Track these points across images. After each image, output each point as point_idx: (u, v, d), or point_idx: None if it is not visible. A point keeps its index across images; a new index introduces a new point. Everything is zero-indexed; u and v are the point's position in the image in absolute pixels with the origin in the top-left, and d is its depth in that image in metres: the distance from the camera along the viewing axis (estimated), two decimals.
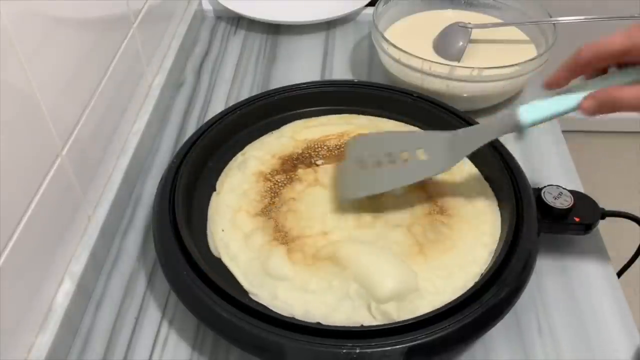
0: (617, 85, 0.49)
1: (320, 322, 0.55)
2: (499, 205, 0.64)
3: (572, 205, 0.64)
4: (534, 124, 0.54)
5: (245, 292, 0.58)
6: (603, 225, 0.66)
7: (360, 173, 0.63)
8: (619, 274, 0.69)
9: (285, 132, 0.74)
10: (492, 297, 0.53)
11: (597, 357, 0.58)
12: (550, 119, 0.54)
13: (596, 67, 0.51)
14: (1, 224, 0.49)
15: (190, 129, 0.82)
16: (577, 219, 0.64)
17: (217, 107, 0.85)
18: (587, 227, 0.64)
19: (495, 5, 0.90)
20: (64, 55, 0.59)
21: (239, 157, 0.71)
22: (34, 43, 0.53)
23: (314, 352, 0.51)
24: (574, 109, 0.52)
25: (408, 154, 0.62)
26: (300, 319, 0.54)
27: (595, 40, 0.49)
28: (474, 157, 0.68)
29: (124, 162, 0.72)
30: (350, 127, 0.73)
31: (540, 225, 0.61)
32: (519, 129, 0.55)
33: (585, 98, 0.50)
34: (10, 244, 0.50)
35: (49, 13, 0.55)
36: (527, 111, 0.54)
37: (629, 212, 0.69)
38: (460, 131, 0.62)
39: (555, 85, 0.53)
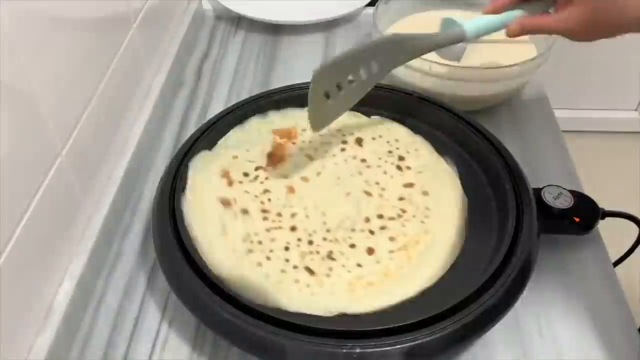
0: (536, 14, 0.64)
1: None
2: (498, 206, 0.64)
3: (572, 205, 0.64)
4: (476, 36, 0.66)
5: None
6: (603, 225, 0.66)
7: (325, 103, 0.66)
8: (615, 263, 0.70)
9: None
10: (492, 297, 0.53)
11: (597, 357, 0.58)
12: (486, 33, 0.67)
13: None
14: (1, 224, 0.49)
15: (190, 129, 0.82)
16: (577, 219, 0.64)
17: (217, 107, 0.85)
18: (587, 227, 0.65)
19: None
20: (64, 56, 0.59)
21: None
22: (34, 43, 0.53)
23: (314, 352, 0.51)
24: (504, 26, 0.66)
25: (364, 70, 0.66)
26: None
27: None
28: (474, 157, 0.69)
29: (124, 162, 0.72)
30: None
31: (540, 225, 0.61)
32: (463, 39, 0.67)
33: (512, 24, 0.65)
34: (10, 244, 0.50)
35: (49, 13, 0.55)
36: (470, 24, 0.66)
37: (629, 212, 0.69)
38: (407, 36, 0.68)
39: (494, 12, 0.66)
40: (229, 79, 0.92)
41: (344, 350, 0.50)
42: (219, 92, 0.89)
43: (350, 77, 0.65)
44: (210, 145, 0.70)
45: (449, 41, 0.67)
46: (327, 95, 0.65)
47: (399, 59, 0.67)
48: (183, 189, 0.64)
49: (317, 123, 0.66)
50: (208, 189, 0.64)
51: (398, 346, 0.50)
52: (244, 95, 0.87)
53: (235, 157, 0.69)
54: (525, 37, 0.87)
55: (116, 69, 0.70)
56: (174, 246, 0.58)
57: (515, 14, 0.65)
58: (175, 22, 0.93)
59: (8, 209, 0.50)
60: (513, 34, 0.64)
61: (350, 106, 0.67)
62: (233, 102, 0.77)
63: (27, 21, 0.51)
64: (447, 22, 0.68)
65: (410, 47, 0.67)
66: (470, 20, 0.66)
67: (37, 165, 0.55)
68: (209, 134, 0.70)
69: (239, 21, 1.03)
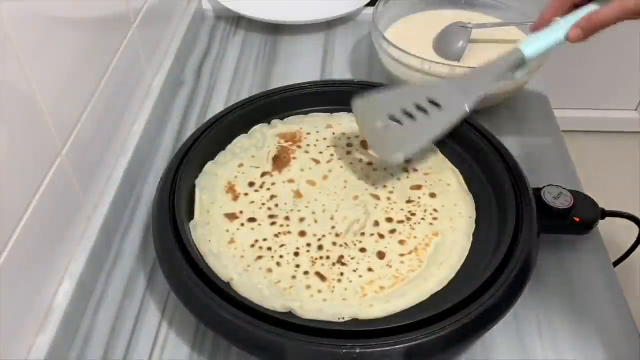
0: (592, 11, 0.59)
1: None
2: (498, 206, 0.64)
3: (572, 205, 0.64)
4: (535, 56, 0.61)
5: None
6: (603, 225, 0.66)
7: (388, 134, 0.64)
8: (615, 263, 0.70)
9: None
10: (492, 297, 0.53)
11: (597, 357, 0.58)
12: (547, 51, 0.61)
13: (572, 2, 0.61)
14: (1, 224, 0.49)
15: (190, 129, 0.82)
16: (577, 219, 0.64)
17: (217, 107, 0.85)
18: (587, 227, 0.65)
19: (495, 5, 0.90)
20: (63, 56, 0.59)
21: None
22: (34, 43, 0.53)
23: (314, 352, 0.51)
24: (563, 39, 0.60)
25: (420, 106, 0.63)
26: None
27: None
28: (474, 157, 0.69)
29: (124, 162, 0.72)
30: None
31: (540, 225, 0.61)
32: (523, 63, 0.61)
33: (570, 31, 0.59)
34: (10, 244, 0.50)
35: (49, 13, 0.55)
36: (527, 45, 0.61)
37: (629, 212, 0.69)
38: (466, 75, 0.65)
39: (542, 26, 0.62)
40: (229, 78, 0.92)
41: (344, 350, 0.50)
42: (219, 92, 0.89)
43: (411, 112, 0.63)
44: (210, 147, 0.70)
45: (508, 70, 0.62)
46: (386, 126, 0.64)
47: (467, 101, 0.62)
48: (191, 210, 0.64)
49: (387, 155, 0.64)
50: (213, 207, 0.64)
51: (398, 346, 0.50)
52: (244, 95, 0.87)
53: (240, 165, 0.69)
54: (524, 36, 0.87)
55: (116, 69, 0.70)
56: (174, 246, 0.58)
57: (569, 20, 0.60)
58: (175, 22, 0.93)
59: (8, 209, 0.50)
60: (576, 39, 0.59)
61: (428, 140, 0.64)
62: (233, 102, 0.77)
63: (27, 21, 0.51)
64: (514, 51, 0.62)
65: (472, 87, 0.62)
66: (525, 41, 0.61)
67: (37, 165, 0.55)
68: (209, 134, 0.70)
69: (238, 21, 1.03)
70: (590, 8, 0.59)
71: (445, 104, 0.62)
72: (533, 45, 0.61)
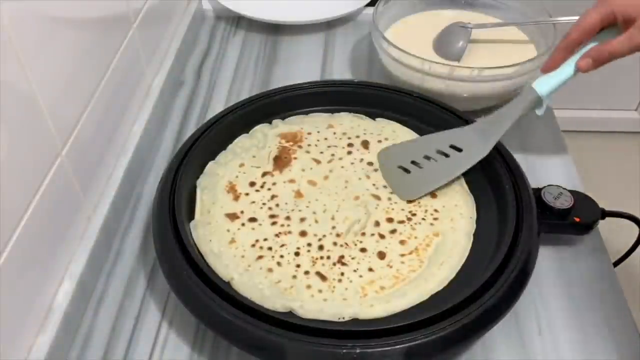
0: (604, 41, 0.60)
1: None
2: (498, 206, 0.64)
3: (572, 205, 0.64)
4: (550, 92, 0.63)
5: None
6: (603, 225, 0.66)
7: (408, 177, 0.67)
8: (615, 264, 0.70)
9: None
10: (492, 297, 0.53)
11: (597, 357, 0.58)
12: (560, 86, 0.63)
13: (582, 42, 0.62)
14: (1, 224, 0.49)
15: (190, 129, 0.82)
16: (577, 219, 0.64)
17: (217, 107, 0.85)
18: (587, 227, 0.65)
19: (495, 5, 0.90)
20: (63, 55, 0.59)
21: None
22: (34, 43, 0.53)
23: (314, 352, 0.51)
24: (575, 73, 0.62)
25: (442, 152, 0.67)
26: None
27: (576, 23, 0.62)
28: None
29: (124, 162, 0.72)
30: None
31: (540, 225, 0.61)
32: (539, 102, 0.64)
33: (579, 60, 0.61)
34: (10, 244, 0.50)
35: (49, 13, 0.55)
36: (541, 84, 0.63)
37: (629, 212, 0.69)
38: (486, 119, 0.67)
39: (554, 67, 0.63)
40: (229, 78, 0.92)
41: (344, 350, 0.50)
42: (219, 92, 0.89)
43: (428, 156, 0.67)
44: (210, 147, 0.70)
45: (526, 110, 0.65)
46: (406, 170, 0.67)
47: (487, 144, 0.65)
48: (191, 210, 0.64)
49: (405, 194, 0.66)
50: (214, 207, 0.64)
51: (398, 346, 0.50)
52: (244, 95, 0.87)
53: (241, 165, 0.69)
54: (524, 36, 0.87)
55: (116, 69, 0.70)
56: (174, 246, 0.58)
57: (579, 55, 0.62)
58: (175, 22, 0.93)
59: (8, 209, 0.50)
60: (586, 68, 0.61)
61: (444, 181, 0.66)
62: (233, 102, 0.77)
63: (27, 21, 0.51)
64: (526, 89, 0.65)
65: (492, 130, 0.65)
66: (539, 81, 0.63)
67: (37, 165, 0.55)
68: (209, 134, 0.70)
69: (238, 21, 1.03)
70: (598, 40, 0.61)
71: (466, 148, 0.66)
72: (547, 83, 0.63)
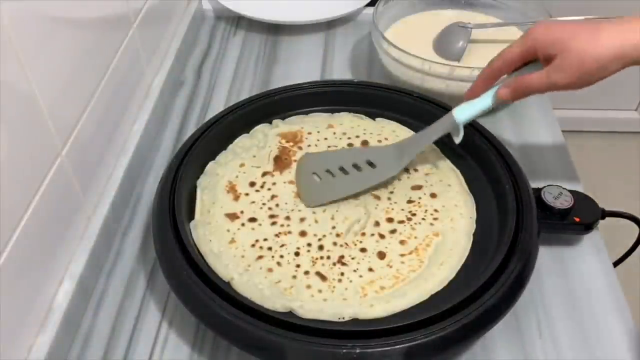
0: (524, 73, 0.59)
1: None
2: (498, 206, 0.64)
3: (572, 205, 0.64)
4: (467, 120, 0.63)
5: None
6: (603, 225, 0.66)
7: (317, 183, 0.67)
8: (615, 263, 0.70)
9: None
10: (492, 297, 0.53)
11: (597, 357, 0.58)
12: (479, 114, 0.63)
13: (504, 73, 0.62)
14: (1, 224, 0.49)
15: (190, 129, 0.82)
16: (577, 219, 0.64)
17: (217, 107, 0.85)
18: (587, 227, 0.65)
19: (495, 5, 0.90)
20: (63, 55, 0.59)
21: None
22: (34, 43, 0.53)
23: (314, 352, 0.51)
24: (495, 102, 0.61)
25: (357, 166, 0.66)
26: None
27: (499, 53, 0.61)
28: (474, 157, 0.69)
29: (124, 162, 0.72)
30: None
31: (540, 225, 0.61)
32: (455, 127, 0.63)
33: (499, 88, 0.60)
34: (11, 244, 0.50)
35: (49, 13, 0.55)
36: (461, 111, 0.63)
37: (629, 212, 0.69)
38: (406, 140, 0.68)
39: (475, 95, 0.63)
40: (229, 78, 0.92)
41: (344, 350, 0.50)
42: (219, 92, 0.89)
43: (343, 167, 0.67)
44: (210, 147, 0.70)
45: (443, 133, 0.65)
46: (317, 176, 0.67)
47: (400, 163, 0.66)
48: (191, 210, 0.64)
49: (308, 199, 0.66)
50: (214, 207, 0.64)
51: (398, 346, 0.50)
52: (244, 95, 0.87)
53: (242, 164, 0.69)
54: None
55: (116, 69, 0.70)
56: (174, 246, 0.58)
57: (499, 86, 0.62)
58: (175, 22, 0.93)
59: (8, 208, 0.50)
60: (504, 97, 0.60)
61: (348, 193, 0.66)
62: (233, 102, 0.77)
63: (27, 21, 0.51)
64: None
65: (408, 150, 0.66)
66: (460, 107, 0.63)
67: (37, 165, 0.55)
68: (209, 134, 0.70)
69: (238, 21, 1.03)
70: (526, 72, 0.60)
71: (379, 164, 0.66)
72: (466, 110, 0.63)
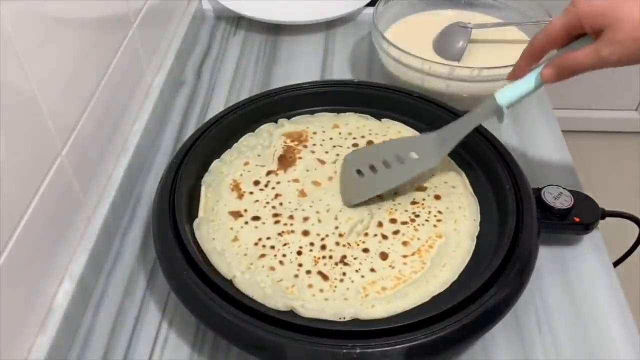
0: (568, 51, 0.55)
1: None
2: (498, 206, 0.64)
3: (572, 205, 0.64)
4: (510, 104, 0.60)
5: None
6: (603, 225, 0.66)
7: (359, 180, 0.66)
8: (615, 263, 0.70)
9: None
10: (492, 297, 0.53)
11: (597, 357, 0.58)
12: (522, 97, 0.59)
13: (549, 50, 0.57)
14: (1, 224, 0.49)
15: (190, 129, 0.82)
16: (577, 219, 0.64)
17: (217, 107, 0.85)
18: (587, 227, 0.65)
19: (495, 5, 0.90)
20: (63, 55, 0.59)
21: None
22: (34, 43, 0.53)
23: (314, 352, 0.51)
24: (539, 84, 0.58)
25: (400, 157, 0.65)
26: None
27: (543, 29, 0.57)
28: (474, 157, 0.69)
29: (124, 162, 0.72)
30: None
31: (540, 225, 0.61)
32: (499, 112, 0.61)
33: (543, 67, 0.56)
34: (10, 244, 0.50)
35: (49, 13, 0.55)
36: (503, 94, 0.60)
37: (629, 212, 0.69)
38: (446, 128, 0.65)
39: (518, 76, 0.59)
40: (229, 78, 0.92)
41: (344, 350, 0.50)
42: (219, 92, 0.89)
43: (386, 161, 0.65)
44: (210, 147, 0.70)
45: (486, 118, 0.62)
46: (360, 173, 0.66)
47: (442, 152, 0.64)
48: (191, 210, 0.64)
49: (347, 198, 0.65)
50: (218, 205, 0.65)
51: (398, 346, 0.50)
52: (244, 95, 0.87)
53: (246, 163, 0.69)
54: (524, 36, 0.87)
55: (116, 69, 0.70)
56: (174, 246, 0.58)
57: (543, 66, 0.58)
58: (175, 22, 0.93)
59: (8, 209, 0.50)
60: (548, 78, 0.55)
61: (390, 187, 0.65)
62: (233, 102, 0.77)
63: (27, 21, 0.51)
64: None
65: (449, 138, 0.64)
66: (502, 90, 0.60)
67: (37, 165, 0.55)
68: (209, 134, 0.70)
69: (238, 21, 1.03)
70: (572, 49, 0.56)
71: (421, 155, 0.65)
72: (509, 93, 0.60)
